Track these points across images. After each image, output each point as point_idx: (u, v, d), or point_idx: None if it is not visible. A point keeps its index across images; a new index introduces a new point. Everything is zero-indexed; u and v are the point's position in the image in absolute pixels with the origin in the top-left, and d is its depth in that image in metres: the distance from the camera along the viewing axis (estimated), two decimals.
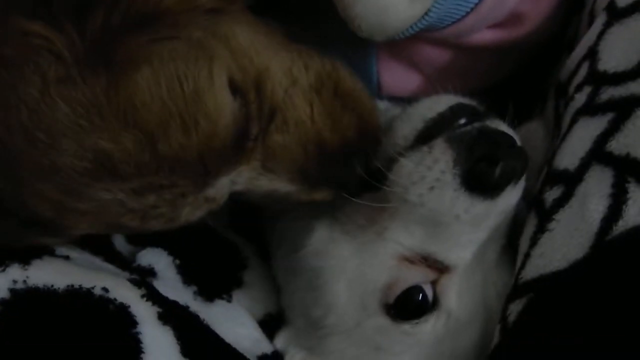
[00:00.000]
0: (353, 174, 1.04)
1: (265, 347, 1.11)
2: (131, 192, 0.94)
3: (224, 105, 0.95)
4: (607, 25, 1.04)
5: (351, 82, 1.05)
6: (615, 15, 1.03)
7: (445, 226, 1.02)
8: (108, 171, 0.91)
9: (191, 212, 0.98)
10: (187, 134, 0.93)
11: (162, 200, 0.95)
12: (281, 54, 1.04)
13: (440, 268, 1.05)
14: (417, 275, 1.04)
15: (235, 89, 0.96)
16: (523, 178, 1.03)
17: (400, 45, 1.13)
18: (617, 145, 0.96)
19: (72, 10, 0.89)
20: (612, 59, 1.01)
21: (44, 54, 0.89)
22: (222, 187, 0.99)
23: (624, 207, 0.92)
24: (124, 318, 0.97)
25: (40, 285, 0.96)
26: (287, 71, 1.02)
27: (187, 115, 0.93)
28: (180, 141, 0.92)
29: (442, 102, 1.06)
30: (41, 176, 0.92)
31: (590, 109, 1.01)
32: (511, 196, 1.02)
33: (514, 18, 1.14)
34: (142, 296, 1.00)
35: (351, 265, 1.06)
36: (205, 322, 1.06)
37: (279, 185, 1.03)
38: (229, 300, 1.12)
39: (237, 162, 0.99)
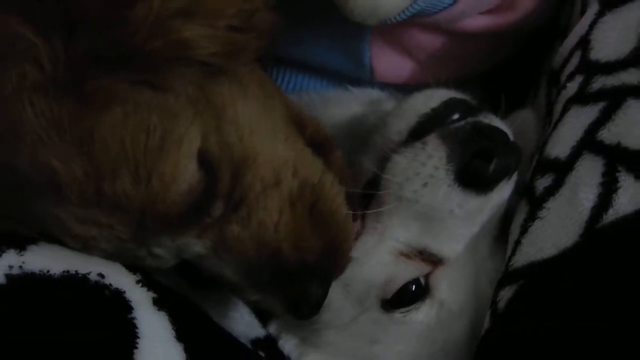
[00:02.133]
0: (308, 295, 1.02)
1: (259, 332, 1.11)
2: (74, 217, 0.95)
3: (182, 173, 0.95)
4: (600, 14, 1.04)
5: (333, 203, 1.03)
6: (608, 4, 1.04)
7: (439, 221, 1.03)
8: (54, 190, 0.92)
9: (138, 260, 0.99)
10: (134, 185, 0.93)
11: (103, 237, 0.96)
12: (277, 146, 1.03)
13: (434, 260, 1.06)
14: (414, 270, 1.05)
15: (204, 161, 0.95)
16: (516, 173, 1.04)
17: (393, 31, 1.14)
18: (608, 134, 0.96)
19: (63, 27, 0.89)
20: (604, 49, 1.02)
21: (28, 58, 0.89)
22: (166, 249, 0.99)
23: (614, 196, 0.93)
24: (120, 303, 0.97)
25: (36, 270, 0.96)
26: (274, 169, 1.01)
27: (141, 168, 0.93)
28: (126, 189, 0.93)
29: (435, 97, 1.06)
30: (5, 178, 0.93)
31: (582, 97, 1.02)
32: (504, 191, 1.04)
33: (506, 3, 1.15)
34: (137, 282, 1.00)
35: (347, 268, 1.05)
36: (199, 306, 1.06)
37: (227, 273, 1.02)
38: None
39: (185, 233, 0.98)
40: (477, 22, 1.14)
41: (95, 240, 0.96)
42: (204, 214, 0.97)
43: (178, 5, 0.92)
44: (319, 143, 1.04)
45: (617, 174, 0.94)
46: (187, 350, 0.97)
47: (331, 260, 1.01)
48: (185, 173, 0.94)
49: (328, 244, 1.01)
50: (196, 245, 0.99)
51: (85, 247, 0.97)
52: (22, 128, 0.90)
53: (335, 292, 1.05)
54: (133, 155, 0.92)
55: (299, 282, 1.00)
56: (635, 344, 0.87)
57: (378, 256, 1.04)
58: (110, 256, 0.99)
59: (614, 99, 0.97)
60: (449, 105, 1.04)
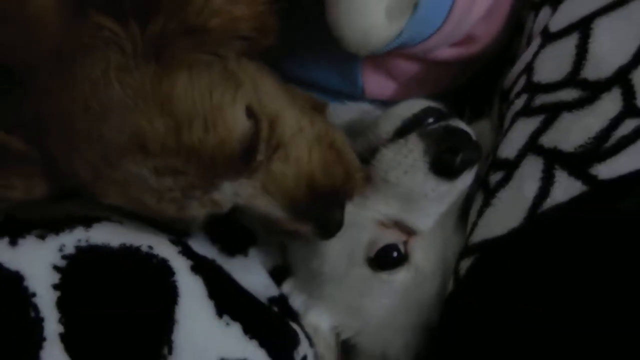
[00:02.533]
0: (333, 217, 1.03)
1: (274, 292, 1.11)
2: (154, 169, 0.93)
3: (237, 122, 0.94)
4: (541, 46, 1.04)
5: (342, 143, 1.05)
6: (548, 38, 1.03)
7: (416, 201, 1.03)
8: (139, 147, 0.91)
9: (198, 208, 0.97)
10: (205, 133, 0.92)
11: (177, 185, 0.94)
12: (293, 108, 1.03)
13: (409, 231, 1.05)
14: (392, 236, 1.05)
15: (250, 114, 0.96)
16: (477, 165, 1.04)
17: (380, 59, 1.13)
18: (547, 140, 0.96)
19: (138, 12, 0.88)
20: (544, 73, 1.01)
21: (111, 44, 0.89)
22: (226, 193, 0.97)
23: (551, 188, 0.92)
24: (165, 269, 0.97)
25: (99, 243, 0.96)
26: (296, 121, 1.01)
27: (209, 119, 0.92)
28: (199, 137, 0.91)
29: (416, 105, 1.06)
30: (89, 141, 0.91)
31: (527, 111, 1.01)
32: (467, 179, 1.04)
33: (468, 39, 1.14)
34: (179, 252, 1.00)
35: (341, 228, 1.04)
36: (227, 272, 1.05)
37: (272, 209, 1.01)
38: (246, 255, 1.12)
39: (241, 173, 0.97)
40: (447, 53, 1.14)
41: (169, 190, 0.94)
42: (253, 157, 0.97)
43: None
44: (316, 107, 1.08)
45: (554, 171, 0.93)
46: (216, 306, 0.97)
47: (348, 185, 1.03)
48: (240, 122, 0.94)
49: (345, 172, 1.03)
50: (248, 187, 0.98)
51: (159, 200, 0.95)
52: (112, 101, 0.89)
53: (332, 247, 1.06)
54: (202, 109, 0.92)
55: (329, 206, 1.01)
56: (565, 328, 0.87)
57: (363, 222, 1.05)
58: (177, 210, 0.97)
59: (552, 112, 0.97)
60: (426, 112, 1.04)
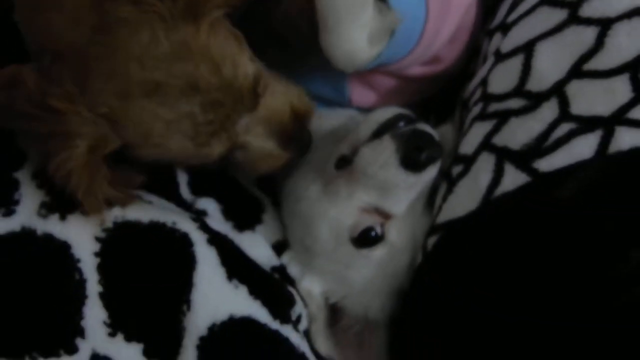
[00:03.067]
0: (308, 138, 1.08)
1: (275, 262, 1.10)
2: (201, 105, 0.93)
3: (248, 64, 0.97)
4: (494, 64, 1.04)
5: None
6: (499, 58, 1.03)
7: (390, 190, 1.02)
8: (192, 86, 0.91)
9: (223, 144, 0.98)
10: (234, 70, 0.94)
11: (217, 116, 0.94)
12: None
13: (386, 215, 1.04)
14: (371, 220, 1.04)
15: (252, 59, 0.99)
16: (439, 161, 1.03)
17: (364, 75, 1.13)
18: (498, 139, 0.95)
19: None
20: (496, 85, 1.01)
21: (151, 14, 0.89)
22: (243, 127, 0.99)
23: (501, 178, 0.92)
24: (186, 241, 0.97)
25: (132, 219, 0.96)
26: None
27: (234, 60, 0.95)
28: (230, 74, 0.94)
29: (389, 112, 1.05)
30: (146, 91, 0.90)
31: (482, 116, 1.01)
32: (432, 172, 1.02)
33: (435, 59, 1.14)
34: (198, 227, 0.99)
35: (330, 213, 1.05)
36: (237, 244, 1.05)
37: (267, 141, 1.04)
38: (253, 231, 1.12)
39: (252, 106, 0.99)
40: (417, 70, 1.14)
41: (211, 123, 0.95)
42: (257, 92, 0.99)
43: None
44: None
45: (503, 165, 0.92)
46: (227, 272, 0.97)
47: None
48: (249, 64, 0.98)
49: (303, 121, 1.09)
50: (254, 119, 1.01)
51: (197, 136, 0.95)
52: (163, 55, 0.90)
53: (323, 228, 1.06)
54: (228, 53, 0.95)
55: (303, 129, 1.08)
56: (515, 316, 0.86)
57: (347, 209, 1.04)
58: (214, 145, 0.98)
59: (502, 117, 0.97)
60: (398, 117, 1.04)
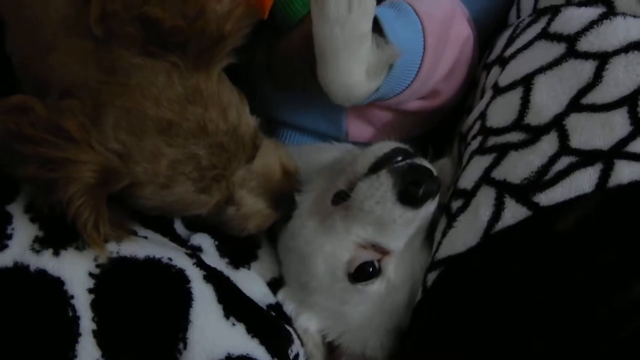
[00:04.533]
0: (294, 202, 1.10)
1: (271, 299, 1.09)
2: (207, 147, 0.95)
3: (250, 116, 1.01)
4: (493, 97, 1.04)
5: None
6: (498, 91, 1.03)
7: (387, 226, 1.01)
8: (200, 128, 0.93)
9: (222, 193, 1.00)
10: (239, 117, 0.98)
11: (219, 162, 0.97)
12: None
13: (383, 251, 1.04)
14: (368, 256, 1.04)
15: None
16: (437, 196, 1.02)
17: (361, 109, 1.13)
18: (498, 173, 0.96)
19: (178, 46, 0.91)
20: (495, 119, 1.01)
21: (168, 66, 0.92)
22: (239, 178, 1.01)
23: (502, 212, 0.92)
24: (182, 278, 0.96)
25: (128, 255, 0.96)
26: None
27: (239, 109, 0.98)
28: (235, 120, 0.98)
29: (386, 146, 1.05)
30: (159, 129, 0.92)
31: (481, 150, 1.01)
32: (430, 207, 1.02)
33: (433, 93, 1.14)
34: (194, 264, 0.99)
35: (326, 249, 1.05)
36: (233, 282, 1.04)
37: (258, 200, 1.07)
38: (249, 269, 1.11)
39: (252, 156, 1.02)
40: (415, 105, 1.13)
41: (213, 168, 0.97)
42: (256, 144, 1.02)
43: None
44: None
45: (504, 199, 0.92)
46: (224, 309, 0.97)
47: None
48: (250, 118, 1.01)
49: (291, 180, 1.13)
50: (248, 172, 1.03)
51: (200, 177, 0.97)
52: (176, 98, 0.92)
53: (319, 264, 1.05)
54: (233, 100, 0.99)
55: (291, 191, 1.12)
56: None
57: (344, 244, 1.04)
58: (213, 192, 0.99)
59: (502, 151, 0.97)
60: (395, 151, 1.03)
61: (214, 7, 0.91)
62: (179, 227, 1.10)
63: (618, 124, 0.88)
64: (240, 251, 1.12)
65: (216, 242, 1.10)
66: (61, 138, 0.86)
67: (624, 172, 0.84)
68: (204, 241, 1.09)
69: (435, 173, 1.02)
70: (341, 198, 1.04)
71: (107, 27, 0.89)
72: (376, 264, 1.04)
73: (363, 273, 1.04)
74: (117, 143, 0.91)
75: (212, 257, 1.07)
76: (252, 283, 1.07)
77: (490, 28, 1.19)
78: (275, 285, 1.12)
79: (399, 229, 1.02)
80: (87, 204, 0.89)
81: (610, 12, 0.95)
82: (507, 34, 1.11)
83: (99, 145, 0.90)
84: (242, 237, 1.13)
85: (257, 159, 1.04)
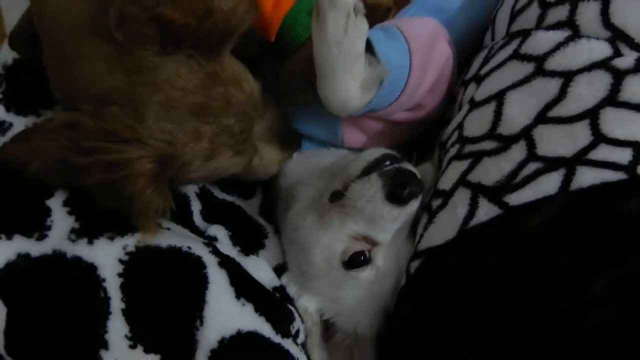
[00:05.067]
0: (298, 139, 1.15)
1: (277, 282, 1.10)
2: (234, 117, 0.97)
3: (254, 80, 1.02)
4: (469, 110, 1.04)
5: None
6: (474, 105, 1.03)
7: (377, 221, 1.02)
8: (227, 104, 0.96)
9: (251, 151, 1.04)
10: (249, 85, 1.00)
11: (246, 126, 0.99)
12: None
13: (373, 242, 1.04)
14: (360, 246, 1.04)
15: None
16: (420, 196, 1.03)
17: (355, 119, 1.13)
18: (473, 177, 0.95)
19: (191, 41, 0.91)
20: (471, 129, 1.01)
21: (186, 58, 0.92)
22: (258, 133, 1.04)
23: (476, 211, 0.92)
24: (199, 264, 0.96)
25: (152, 244, 0.95)
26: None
27: (248, 78, 1.00)
28: (249, 90, 1.00)
29: (377, 152, 1.06)
30: (193, 112, 0.93)
31: (459, 156, 1.01)
32: (414, 205, 1.03)
33: (418, 106, 1.14)
34: (210, 252, 0.99)
35: (323, 240, 1.05)
36: (244, 267, 1.04)
37: (272, 147, 1.09)
38: (257, 256, 1.11)
39: (263, 113, 1.04)
40: (402, 116, 1.13)
41: (242, 132, 0.99)
42: (264, 106, 1.04)
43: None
44: None
45: (478, 199, 0.92)
46: (235, 291, 0.96)
47: None
48: (255, 83, 1.01)
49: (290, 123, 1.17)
50: (260, 127, 1.04)
51: (235, 142, 0.98)
52: (201, 82, 0.93)
53: (317, 254, 1.06)
54: (243, 75, 1.00)
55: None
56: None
57: (339, 237, 1.04)
58: (236, 154, 1.00)
59: (476, 157, 0.97)
60: (384, 157, 1.04)
61: (219, 4, 0.90)
62: (198, 220, 1.10)
63: (580, 134, 0.87)
64: (250, 241, 1.12)
65: (229, 233, 1.10)
66: (114, 142, 0.87)
67: (585, 177, 0.84)
68: (219, 232, 1.09)
69: (418, 176, 1.03)
70: (337, 197, 1.05)
71: (126, 30, 0.89)
72: (367, 254, 1.04)
73: (355, 261, 1.04)
74: (163, 133, 0.91)
75: (226, 246, 1.07)
76: (260, 269, 1.07)
77: (468, 49, 1.19)
78: (279, 270, 1.12)
79: (387, 223, 1.03)
80: (155, 191, 0.90)
81: (576, 35, 0.95)
82: (482, 54, 1.11)
83: (149, 138, 0.90)
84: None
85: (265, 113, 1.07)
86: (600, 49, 0.92)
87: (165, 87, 0.91)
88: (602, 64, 0.91)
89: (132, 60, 0.90)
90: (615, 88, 0.88)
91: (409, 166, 1.04)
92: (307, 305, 1.08)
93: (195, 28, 0.89)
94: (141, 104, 0.90)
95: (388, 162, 1.03)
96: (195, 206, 1.12)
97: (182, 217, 1.07)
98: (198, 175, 1.00)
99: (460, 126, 1.04)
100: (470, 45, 1.19)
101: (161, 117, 0.91)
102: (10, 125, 1.01)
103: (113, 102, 0.90)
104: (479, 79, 1.06)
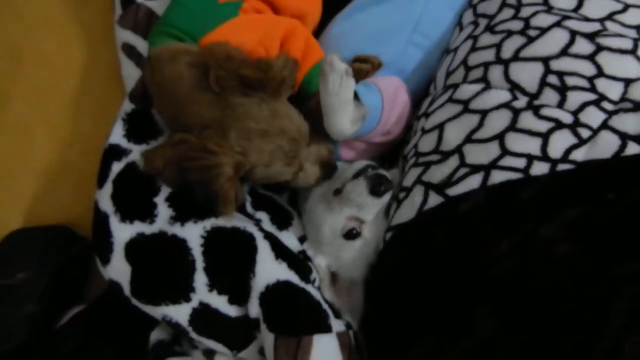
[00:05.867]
0: (334, 167, 1.07)
1: (300, 248, 1.07)
2: (287, 140, 0.94)
3: (303, 120, 0.98)
4: (421, 135, 1.02)
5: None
6: (424, 132, 1.01)
7: (364, 208, 1.00)
8: (282, 131, 0.92)
9: (297, 165, 0.99)
10: (300, 121, 0.97)
11: (294, 148, 0.96)
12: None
13: (361, 221, 1.03)
14: (353, 224, 1.03)
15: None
16: (391, 190, 1.01)
17: (348, 142, 1.11)
18: (425, 177, 0.94)
19: (261, 87, 0.89)
20: (423, 147, 0.99)
21: (257, 100, 0.90)
22: (304, 156, 1.00)
23: (427, 199, 0.90)
24: (251, 237, 0.95)
25: (221, 225, 0.95)
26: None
27: (299, 117, 0.98)
28: (299, 122, 0.97)
29: (362, 163, 1.05)
30: (259, 135, 0.91)
31: (415, 165, 0.99)
32: (387, 197, 1.01)
33: (388, 133, 1.12)
34: (258, 229, 0.97)
35: (329, 221, 1.03)
36: (279, 238, 1.03)
37: (314, 167, 1.04)
38: (287, 230, 1.08)
39: (308, 143, 1.00)
40: (377, 139, 1.11)
41: (292, 151, 0.96)
42: (309, 139, 1.00)
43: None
44: None
45: (429, 192, 0.91)
46: (275, 254, 0.95)
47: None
48: (303, 122, 0.98)
49: (330, 156, 1.09)
50: (307, 152, 1.00)
51: (285, 158, 0.95)
52: (265, 117, 0.91)
53: (325, 229, 1.04)
54: (296, 113, 0.97)
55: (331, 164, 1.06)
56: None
57: (339, 218, 1.02)
58: (289, 166, 0.97)
59: (427, 165, 0.95)
60: (367, 166, 1.02)
61: (276, 63, 0.89)
62: (249, 208, 1.09)
63: (493, 149, 0.87)
64: (282, 221, 1.10)
65: (269, 216, 1.09)
66: (209, 152, 0.86)
67: (496, 177, 0.84)
68: (263, 216, 1.08)
69: (389, 178, 1.02)
70: (338, 192, 1.04)
71: (220, 84, 0.87)
72: (357, 229, 1.03)
73: (350, 234, 1.03)
74: (239, 147, 0.90)
75: (267, 225, 1.06)
76: (289, 239, 1.06)
77: (419, 95, 1.17)
78: (302, 240, 1.10)
79: (370, 209, 1.01)
80: (231, 187, 0.88)
81: (488, 86, 0.95)
82: (429, 99, 1.09)
83: (230, 151, 0.89)
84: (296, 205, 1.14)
85: (311, 144, 1.03)
86: (504, 96, 0.91)
87: (243, 118, 0.89)
88: (505, 105, 0.90)
89: (224, 102, 0.89)
90: (514, 120, 0.87)
91: (383, 171, 1.03)
92: (320, 262, 1.07)
93: (263, 80, 0.88)
94: (227, 128, 0.89)
95: (370, 169, 1.02)
96: (247, 198, 1.10)
97: (239, 207, 1.06)
98: (260, 177, 0.97)
99: (416, 145, 1.03)
100: (420, 93, 1.18)
101: (239, 137, 0.89)
102: (131, 151, 1.00)
103: (210, 127, 0.89)
104: (427, 115, 1.05)
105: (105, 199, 0.93)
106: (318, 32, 1.17)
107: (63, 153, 1.22)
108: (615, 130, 0.79)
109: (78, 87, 1.30)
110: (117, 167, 0.95)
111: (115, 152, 0.98)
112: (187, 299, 0.89)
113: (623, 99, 0.81)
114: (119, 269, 0.89)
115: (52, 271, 1.05)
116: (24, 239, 1.11)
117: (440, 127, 0.97)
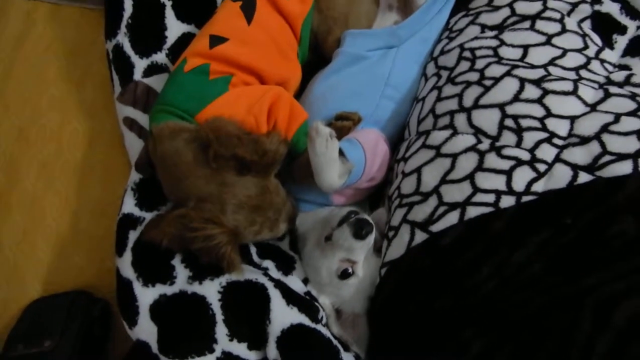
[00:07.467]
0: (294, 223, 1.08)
1: (305, 289, 1.08)
2: (273, 211, 0.96)
3: (283, 190, 1.00)
4: (402, 178, 1.05)
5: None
6: (404, 175, 1.04)
7: (352, 250, 1.02)
8: (269, 204, 0.95)
9: (279, 228, 1.01)
10: (282, 193, 0.99)
11: (278, 215, 0.98)
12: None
13: (353, 262, 1.05)
14: (346, 265, 1.05)
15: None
16: (373, 232, 1.03)
17: (338, 190, 1.11)
18: (410, 217, 0.96)
19: (255, 167, 0.92)
20: (405, 189, 1.02)
21: (252, 178, 0.93)
22: (282, 218, 1.02)
23: (414, 236, 0.94)
24: (263, 287, 0.97)
25: (235, 279, 0.97)
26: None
27: (282, 190, 1.01)
28: (282, 195, 0.99)
29: (345, 210, 1.06)
30: (252, 209, 0.93)
31: (400, 205, 1.01)
32: (371, 238, 1.02)
33: (372, 179, 1.13)
34: (268, 279, 0.99)
35: (325, 264, 1.06)
36: (286, 284, 1.03)
37: (285, 224, 1.05)
38: (292, 275, 1.09)
39: (285, 208, 1.00)
40: (363, 185, 1.12)
41: (275, 219, 0.97)
42: (287, 205, 1.01)
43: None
44: None
45: (415, 229, 0.95)
46: (286, 301, 0.97)
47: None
48: (284, 192, 1.00)
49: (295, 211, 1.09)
50: (282, 222, 1.00)
51: (271, 225, 0.97)
52: (255, 192, 0.93)
53: (323, 272, 1.06)
54: (279, 187, 0.99)
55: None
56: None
57: (333, 261, 1.03)
58: (271, 230, 0.98)
59: (410, 206, 0.97)
60: (350, 212, 1.03)
61: (270, 147, 0.91)
62: (255, 257, 1.09)
63: (465, 188, 0.88)
64: (287, 266, 1.11)
65: (275, 264, 1.09)
66: (209, 223, 0.88)
67: (471, 212, 0.86)
68: (269, 264, 1.08)
69: (370, 221, 1.03)
70: (328, 238, 1.05)
71: (218, 162, 0.89)
72: (350, 269, 1.04)
73: (345, 274, 1.04)
74: (235, 220, 0.92)
75: (274, 272, 1.05)
76: (295, 283, 1.05)
77: (395, 140, 1.19)
78: (305, 281, 1.11)
79: (357, 250, 1.03)
80: (233, 252, 0.90)
81: (455, 132, 0.95)
82: (405, 144, 1.06)
83: (227, 222, 0.90)
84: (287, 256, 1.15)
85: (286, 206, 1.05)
86: (469, 140, 0.93)
87: (237, 193, 0.91)
88: (472, 148, 0.91)
89: (220, 178, 0.90)
90: (481, 161, 0.89)
91: (364, 215, 1.04)
92: (324, 301, 1.09)
93: (257, 162, 0.90)
94: (225, 203, 0.91)
95: (352, 215, 1.03)
96: (252, 249, 1.09)
97: (246, 256, 1.08)
98: (252, 239, 1.00)
99: (398, 188, 1.04)
100: (396, 138, 1.20)
101: (234, 211, 0.91)
102: (144, 218, 1.02)
103: (208, 201, 0.90)
104: (405, 159, 1.06)
105: (126, 267, 0.94)
106: (300, 91, 1.16)
107: (73, 220, 1.24)
108: (567, 163, 0.82)
109: (82, 158, 1.35)
110: (133, 235, 0.97)
111: (129, 221, 0.99)
112: (211, 350, 0.89)
113: (570, 134, 0.84)
114: (146, 330, 0.90)
115: (77, 334, 1.09)
116: (46, 306, 1.14)
117: (418, 170, 0.96)
